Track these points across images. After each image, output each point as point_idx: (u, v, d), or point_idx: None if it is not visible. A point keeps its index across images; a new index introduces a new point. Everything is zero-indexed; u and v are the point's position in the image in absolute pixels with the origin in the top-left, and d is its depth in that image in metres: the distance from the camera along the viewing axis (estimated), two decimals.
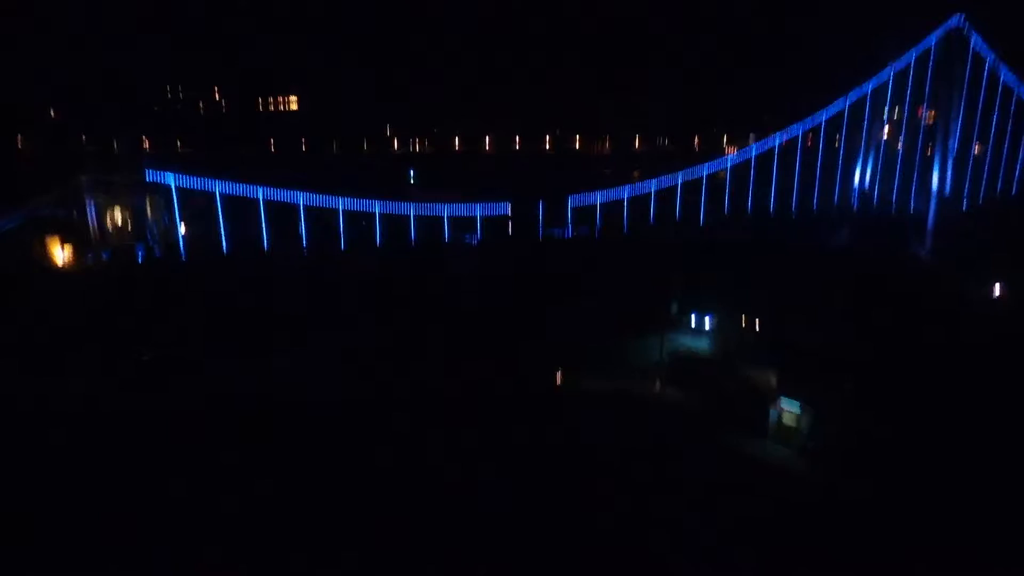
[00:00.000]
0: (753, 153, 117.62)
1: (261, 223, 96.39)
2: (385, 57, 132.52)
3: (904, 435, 53.30)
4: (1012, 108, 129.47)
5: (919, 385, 60.15)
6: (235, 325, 73.76)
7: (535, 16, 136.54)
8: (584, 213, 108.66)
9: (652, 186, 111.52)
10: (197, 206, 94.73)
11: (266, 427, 54.68)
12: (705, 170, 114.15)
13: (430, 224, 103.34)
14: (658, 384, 62.87)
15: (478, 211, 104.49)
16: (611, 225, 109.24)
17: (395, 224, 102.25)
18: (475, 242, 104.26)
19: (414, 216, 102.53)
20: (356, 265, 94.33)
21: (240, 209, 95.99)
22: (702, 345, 72.67)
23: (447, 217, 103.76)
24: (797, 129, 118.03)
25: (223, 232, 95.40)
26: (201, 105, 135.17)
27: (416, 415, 56.53)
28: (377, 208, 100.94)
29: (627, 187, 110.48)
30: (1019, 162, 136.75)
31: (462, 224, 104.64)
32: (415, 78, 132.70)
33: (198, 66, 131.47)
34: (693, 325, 75.88)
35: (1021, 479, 47.18)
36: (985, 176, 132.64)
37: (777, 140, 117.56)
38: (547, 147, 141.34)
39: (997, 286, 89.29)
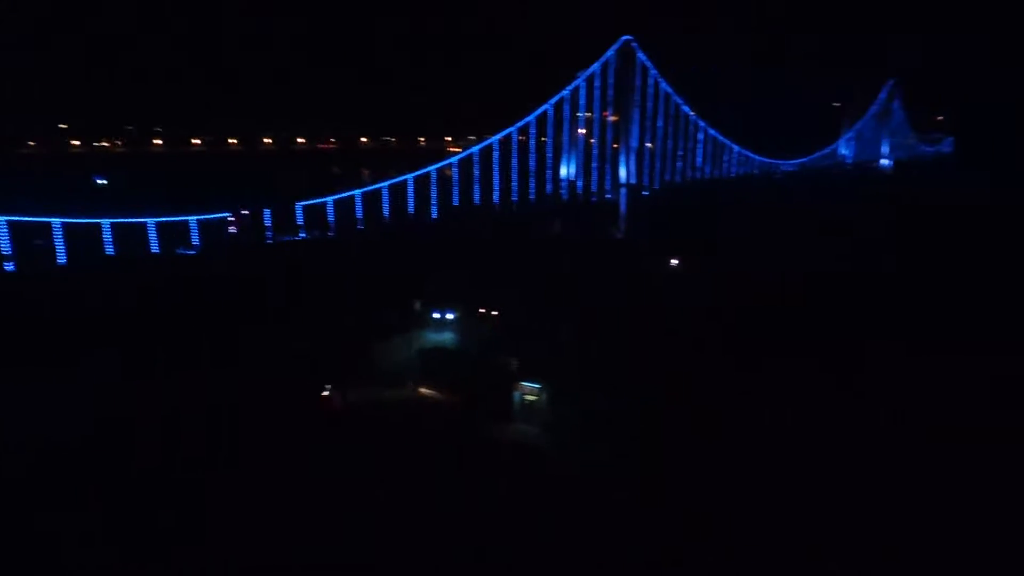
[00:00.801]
0: (476, 150, 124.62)
1: None
2: (65, 38, 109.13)
3: (624, 404, 61.10)
4: (672, 111, 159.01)
5: (628, 355, 70.14)
6: None
7: (258, 10, 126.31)
8: (316, 214, 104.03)
9: (384, 185, 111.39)
10: None
11: None
12: (434, 168, 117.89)
13: (131, 235, 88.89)
14: (410, 384, 63.53)
15: (193, 219, 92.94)
16: (345, 225, 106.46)
17: (83, 237, 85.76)
18: (192, 253, 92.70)
19: (110, 227, 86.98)
20: (34, 287, 77.47)
21: None
22: (447, 339, 75.04)
23: (154, 226, 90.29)
24: (511, 128, 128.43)
25: None
26: None
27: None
28: (56, 221, 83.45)
29: (358, 189, 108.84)
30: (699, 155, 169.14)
31: (175, 233, 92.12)
32: (102, 63, 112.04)
33: None
34: (437, 320, 77.82)
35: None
36: (658, 167, 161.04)
37: (496, 138, 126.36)
38: (270, 146, 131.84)
39: (674, 259, 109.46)
